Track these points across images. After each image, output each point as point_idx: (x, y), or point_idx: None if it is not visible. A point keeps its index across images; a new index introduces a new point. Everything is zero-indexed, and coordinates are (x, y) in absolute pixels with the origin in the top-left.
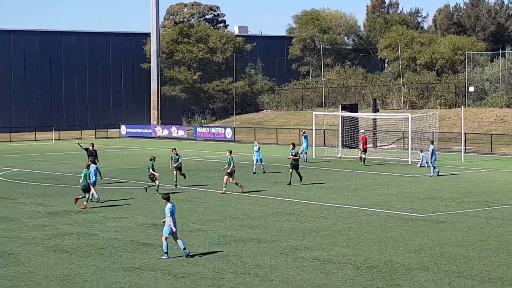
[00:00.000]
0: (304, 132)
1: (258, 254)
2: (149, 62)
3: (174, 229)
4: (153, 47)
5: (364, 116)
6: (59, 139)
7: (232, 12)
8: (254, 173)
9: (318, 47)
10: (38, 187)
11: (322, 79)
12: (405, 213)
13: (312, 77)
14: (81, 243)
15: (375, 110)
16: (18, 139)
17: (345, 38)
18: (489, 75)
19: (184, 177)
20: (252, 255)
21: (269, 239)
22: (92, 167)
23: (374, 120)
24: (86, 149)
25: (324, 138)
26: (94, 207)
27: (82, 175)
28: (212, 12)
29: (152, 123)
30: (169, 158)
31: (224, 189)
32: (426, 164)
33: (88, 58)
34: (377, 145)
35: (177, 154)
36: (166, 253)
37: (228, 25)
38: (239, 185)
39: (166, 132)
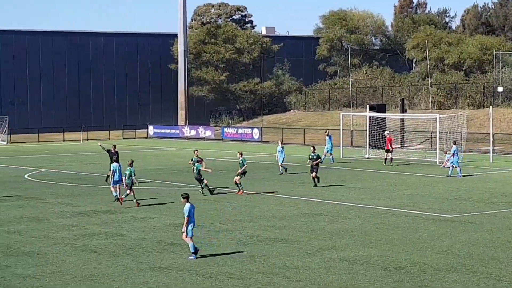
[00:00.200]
0: (328, 133)
1: (285, 254)
2: (177, 63)
3: (182, 230)
4: (180, 47)
5: (392, 116)
6: (87, 140)
7: (260, 12)
8: (281, 173)
9: (346, 47)
10: (66, 187)
11: (350, 79)
12: (433, 214)
13: (339, 77)
14: (109, 243)
15: (403, 111)
16: (46, 140)
17: (373, 38)
18: None
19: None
20: (280, 255)
21: (297, 239)
22: (115, 166)
23: (402, 120)
24: (108, 151)
25: (352, 138)
26: (126, 207)
27: (127, 172)
28: (239, 12)
29: (180, 124)
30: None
31: (240, 189)
32: (452, 165)
33: (116, 58)
34: (405, 145)
35: (197, 156)
36: (193, 253)
37: (255, 25)
38: (240, 187)
39: (193, 132)
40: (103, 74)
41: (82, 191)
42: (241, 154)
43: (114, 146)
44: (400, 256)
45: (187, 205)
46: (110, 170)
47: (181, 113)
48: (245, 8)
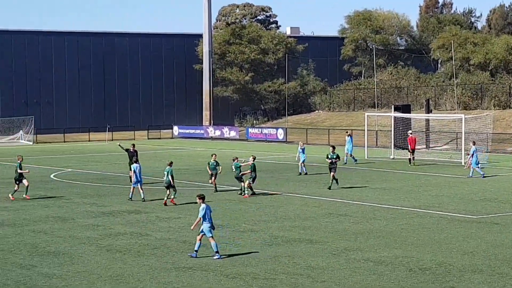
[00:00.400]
0: (349, 133)
1: (310, 255)
2: (202, 63)
3: (191, 228)
4: (205, 48)
5: (417, 117)
6: (112, 140)
7: (284, 13)
8: (305, 173)
9: (371, 47)
10: (91, 187)
11: (375, 79)
12: (459, 215)
13: (364, 77)
14: (134, 243)
15: (428, 111)
16: (72, 140)
17: (398, 38)
18: None
19: (173, 190)
20: (304, 256)
21: (321, 240)
22: (136, 166)
23: (427, 121)
24: (127, 150)
25: (377, 139)
26: (147, 207)
27: (165, 172)
28: (264, 13)
29: (204, 124)
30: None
31: (245, 192)
32: (478, 166)
33: (141, 59)
34: (430, 146)
35: (215, 160)
36: (217, 252)
37: (280, 26)
38: (243, 190)
39: (218, 132)
40: (128, 75)
41: (107, 191)
42: (254, 158)
43: (133, 146)
44: (425, 257)
45: (203, 205)
46: (130, 170)
47: (206, 114)
48: (269, 8)
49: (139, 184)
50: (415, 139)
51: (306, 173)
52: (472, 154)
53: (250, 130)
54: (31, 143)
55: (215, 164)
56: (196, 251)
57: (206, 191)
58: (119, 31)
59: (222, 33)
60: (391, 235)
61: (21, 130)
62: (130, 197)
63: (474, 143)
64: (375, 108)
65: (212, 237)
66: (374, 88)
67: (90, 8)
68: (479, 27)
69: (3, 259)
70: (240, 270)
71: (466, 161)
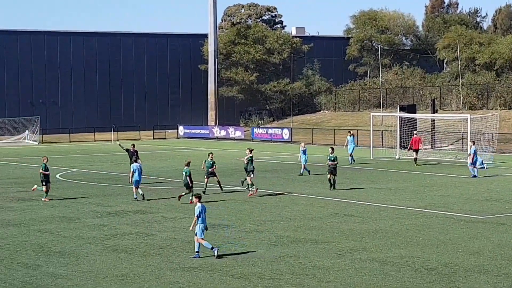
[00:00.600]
0: (352, 133)
1: (315, 255)
2: (207, 63)
3: (190, 228)
4: (210, 48)
5: (423, 117)
6: (117, 140)
7: (290, 13)
8: (307, 174)
9: (376, 47)
10: (97, 187)
11: (380, 79)
12: (464, 215)
13: (369, 77)
14: (140, 243)
15: (434, 111)
16: (77, 140)
17: (403, 38)
18: None
19: (191, 190)
20: (310, 256)
21: (327, 240)
22: (136, 166)
23: (433, 121)
24: (127, 150)
25: (382, 139)
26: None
27: (183, 172)
28: (269, 13)
29: (210, 124)
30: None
31: (254, 188)
32: (485, 166)
33: (146, 59)
34: (436, 146)
35: (212, 160)
36: (212, 248)
37: (285, 26)
38: (248, 187)
39: (223, 133)
40: (134, 75)
41: (113, 191)
42: (251, 151)
43: (133, 145)
44: (431, 257)
45: (198, 205)
46: (131, 170)
47: (211, 114)
48: (275, 8)
49: (137, 183)
50: (419, 139)
51: (309, 173)
52: (474, 154)
53: (255, 130)
54: (37, 143)
55: (211, 162)
56: (198, 252)
57: (211, 190)
58: (125, 31)
59: (227, 33)
60: (396, 235)
61: (27, 130)
62: (135, 197)
63: (473, 143)
64: (380, 108)
65: (202, 238)
66: (380, 88)
67: (96, 8)
68: (485, 27)
69: (9, 259)
70: (246, 270)
71: (481, 162)
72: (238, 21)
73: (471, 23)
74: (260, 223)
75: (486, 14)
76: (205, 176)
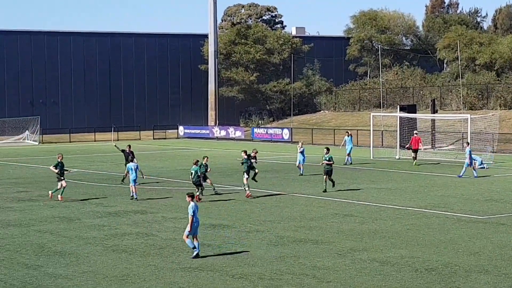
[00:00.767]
0: (349, 133)
1: (315, 255)
2: (207, 63)
3: (189, 229)
4: (210, 48)
5: (423, 117)
6: (117, 140)
7: (290, 13)
8: (300, 174)
9: (376, 47)
10: (97, 187)
11: (380, 79)
12: (465, 215)
13: (369, 77)
14: (140, 243)
15: (434, 111)
16: (77, 140)
17: (403, 38)
18: None
19: (200, 188)
20: (310, 256)
21: (327, 240)
22: (133, 165)
23: (433, 121)
24: (123, 151)
25: (382, 139)
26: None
27: (192, 171)
28: (270, 13)
29: (210, 124)
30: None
31: (246, 188)
32: (485, 166)
33: (146, 59)
34: (436, 146)
35: (206, 164)
36: (194, 247)
37: (285, 26)
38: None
39: (223, 133)
40: (134, 75)
41: (113, 191)
42: (245, 152)
43: (129, 146)
44: (431, 258)
45: (192, 204)
46: (126, 170)
47: (211, 114)
48: (275, 8)
49: (135, 183)
50: (419, 139)
51: (301, 174)
52: (470, 154)
53: (255, 130)
54: (37, 143)
55: (206, 166)
56: (198, 251)
57: (209, 191)
58: (125, 31)
59: (227, 33)
60: (397, 235)
61: (27, 131)
62: (135, 197)
63: (468, 144)
64: (380, 108)
65: (187, 236)
66: (380, 88)
67: (96, 9)
68: (485, 27)
69: (10, 259)
70: (246, 270)
71: (481, 161)
72: (238, 21)
73: (471, 23)
74: (260, 223)
75: (486, 14)
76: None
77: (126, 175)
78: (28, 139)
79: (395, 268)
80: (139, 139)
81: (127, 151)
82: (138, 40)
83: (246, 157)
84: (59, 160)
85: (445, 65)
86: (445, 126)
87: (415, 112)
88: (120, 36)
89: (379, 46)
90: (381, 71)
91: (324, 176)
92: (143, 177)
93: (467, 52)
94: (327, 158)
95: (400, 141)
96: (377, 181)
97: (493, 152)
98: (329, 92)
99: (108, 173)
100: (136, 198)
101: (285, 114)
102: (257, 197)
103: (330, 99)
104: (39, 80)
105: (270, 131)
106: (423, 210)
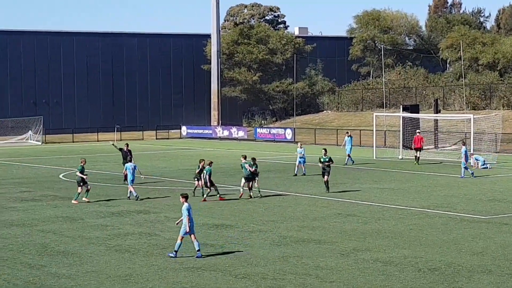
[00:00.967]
0: (349, 134)
1: (318, 255)
2: (210, 63)
3: (187, 230)
4: (213, 48)
5: (425, 117)
6: (120, 140)
7: (293, 13)
8: (294, 174)
9: (379, 47)
10: (100, 187)
11: (383, 79)
12: (468, 215)
13: (372, 77)
14: (143, 243)
15: (437, 111)
16: (80, 140)
17: (406, 38)
18: None
19: (215, 189)
20: (313, 256)
21: (330, 240)
22: (131, 165)
23: (436, 121)
24: (121, 149)
25: (385, 139)
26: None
27: (205, 172)
28: (272, 13)
29: (213, 124)
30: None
31: (241, 189)
32: (488, 165)
33: (149, 59)
34: (439, 146)
35: (204, 167)
36: (176, 251)
37: (288, 26)
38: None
39: (226, 133)
40: (137, 75)
41: (115, 191)
42: (245, 157)
43: (127, 145)
44: (434, 257)
45: (186, 204)
46: (124, 169)
47: (214, 114)
48: (278, 8)
49: (132, 182)
50: (421, 138)
51: (295, 174)
52: (465, 155)
53: (258, 130)
54: (40, 143)
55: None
56: (199, 250)
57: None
58: (128, 31)
59: (230, 33)
60: (399, 235)
61: (30, 130)
62: (136, 197)
63: (464, 144)
64: (383, 108)
65: (183, 237)
66: (383, 88)
67: (99, 9)
68: (488, 27)
69: (13, 259)
70: (249, 270)
71: (483, 161)
72: (241, 21)
73: (474, 23)
74: (263, 223)
75: (490, 14)
76: (196, 179)
77: (125, 174)
78: (31, 139)
79: (398, 268)
80: (142, 139)
81: (125, 150)
82: (141, 40)
83: (244, 161)
84: (82, 164)
85: (448, 65)
86: (448, 126)
87: (418, 112)
88: (123, 36)
89: (382, 46)
90: (384, 71)
91: (324, 178)
92: (142, 177)
93: (470, 52)
94: (326, 160)
95: (403, 141)
96: (380, 181)
97: (496, 152)
98: (332, 92)
99: (111, 173)
100: (136, 197)
101: (288, 114)
102: (260, 197)
103: (333, 99)
104: (42, 80)
105: (273, 131)
106: (426, 210)
